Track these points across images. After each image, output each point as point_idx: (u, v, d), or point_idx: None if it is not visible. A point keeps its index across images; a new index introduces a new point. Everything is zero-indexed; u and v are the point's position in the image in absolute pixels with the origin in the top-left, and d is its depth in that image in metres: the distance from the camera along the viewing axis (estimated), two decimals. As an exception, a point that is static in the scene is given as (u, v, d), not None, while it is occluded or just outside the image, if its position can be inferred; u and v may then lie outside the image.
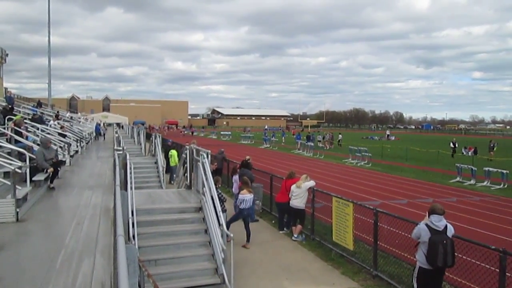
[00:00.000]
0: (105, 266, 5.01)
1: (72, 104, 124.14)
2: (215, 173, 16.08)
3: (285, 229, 11.49)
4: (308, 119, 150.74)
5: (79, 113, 62.81)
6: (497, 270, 5.78)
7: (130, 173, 8.84)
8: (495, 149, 34.06)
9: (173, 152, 19.98)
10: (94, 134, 32.21)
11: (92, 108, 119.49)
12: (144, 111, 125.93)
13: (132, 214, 7.63)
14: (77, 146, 19.18)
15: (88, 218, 7.38)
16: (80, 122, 37.52)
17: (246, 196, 10.01)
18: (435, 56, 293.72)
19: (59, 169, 10.68)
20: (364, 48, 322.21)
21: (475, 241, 6.36)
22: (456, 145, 37.26)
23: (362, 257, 8.80)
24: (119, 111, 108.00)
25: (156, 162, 18.06)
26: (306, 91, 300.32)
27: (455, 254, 6.06)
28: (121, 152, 10.25)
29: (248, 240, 10.15)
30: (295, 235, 10.74)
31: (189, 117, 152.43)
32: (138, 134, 27.75)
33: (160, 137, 20.87)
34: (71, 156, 15.79)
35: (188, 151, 11.23)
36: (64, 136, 18.24)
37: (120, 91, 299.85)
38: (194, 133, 74.46)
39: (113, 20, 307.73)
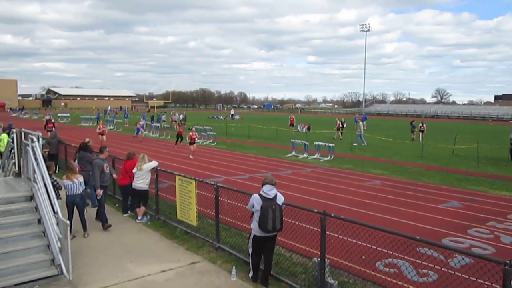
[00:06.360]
0: None
1: None
2: (49, 158, 14.83)
3: (129, 212, 11.26)
4: (154, 99, 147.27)
5: None
6: (319, 230, 6.61)
7: None
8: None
9: (4, 136, 17.66)
10: None
11: None
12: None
13: None
14: None
15: None
16: None
17: (65, 182, 9.38)
18: (277, 40, 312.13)
19: None
20: (212, 30, 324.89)
21: (301, 206, 7.14)
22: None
23: (206, 232, 9.16)
24: None
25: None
26: (154, 71, 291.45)
27: (284, 219, 6.75)
28: None
29: (84, 229, 9.53)
30: (139, 217, 10.62)
31: (20, 97, 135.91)
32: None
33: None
34: None
35: (15, 134, 10.11)
36: None
37: None
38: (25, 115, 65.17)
39: None
